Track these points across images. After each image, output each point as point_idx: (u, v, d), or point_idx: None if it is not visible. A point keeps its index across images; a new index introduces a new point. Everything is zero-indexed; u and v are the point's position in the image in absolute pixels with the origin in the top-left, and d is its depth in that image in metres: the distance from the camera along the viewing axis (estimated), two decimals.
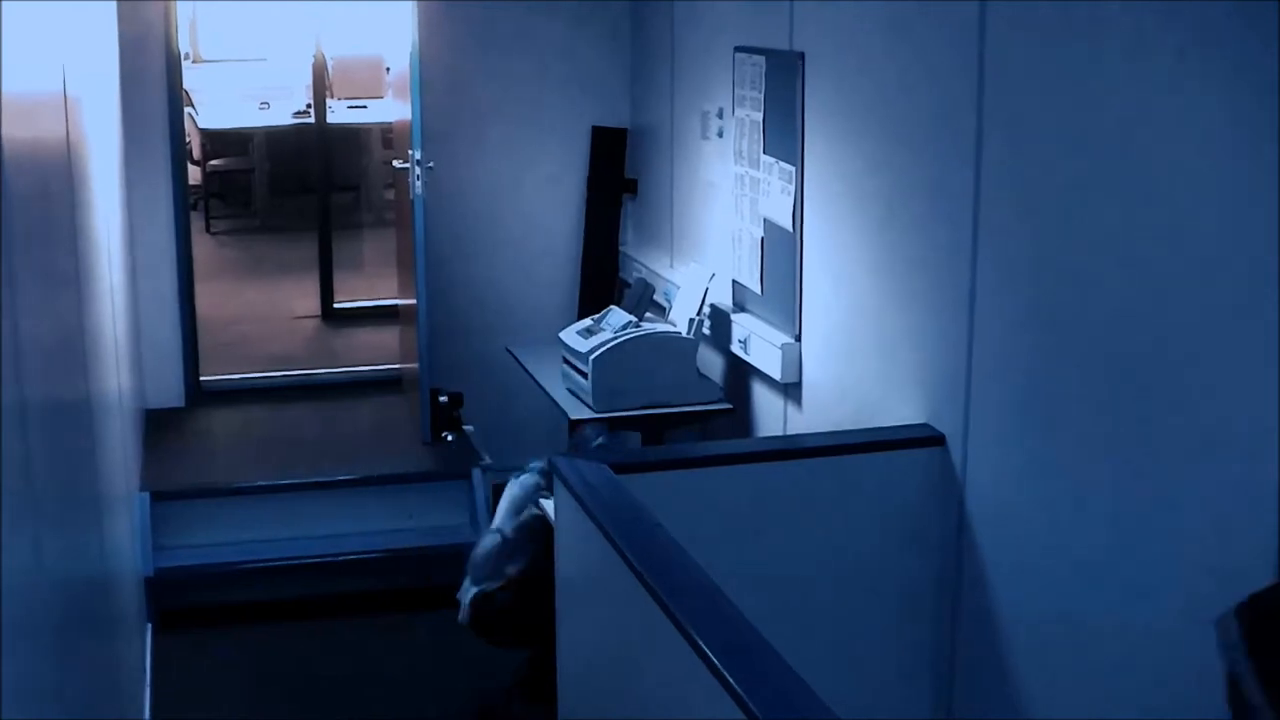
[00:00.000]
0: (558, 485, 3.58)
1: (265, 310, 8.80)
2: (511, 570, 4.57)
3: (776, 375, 4.59)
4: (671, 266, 5.82)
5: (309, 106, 10.21)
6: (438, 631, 5.31)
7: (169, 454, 6.06)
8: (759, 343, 4.73)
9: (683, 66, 5.67)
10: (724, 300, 5.09)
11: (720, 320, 5.05)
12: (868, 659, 3.74)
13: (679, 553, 3.07)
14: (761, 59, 4.71)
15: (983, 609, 3.51)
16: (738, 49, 4.90)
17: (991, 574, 3.49)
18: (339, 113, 10.90)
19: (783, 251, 4.60)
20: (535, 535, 4.51)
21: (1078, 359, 3.10)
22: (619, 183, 6.37)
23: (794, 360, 4.54)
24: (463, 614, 4.63)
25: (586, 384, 4.95)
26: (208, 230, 10.68)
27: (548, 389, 5.23)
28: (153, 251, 6.35)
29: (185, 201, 6.60)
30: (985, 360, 3.47)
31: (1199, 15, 2.71)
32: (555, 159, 6.44)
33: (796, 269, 4.51)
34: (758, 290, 4.83)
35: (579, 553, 3.49)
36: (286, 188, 10.91)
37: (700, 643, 2.65)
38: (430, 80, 5.93)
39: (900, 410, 3.84)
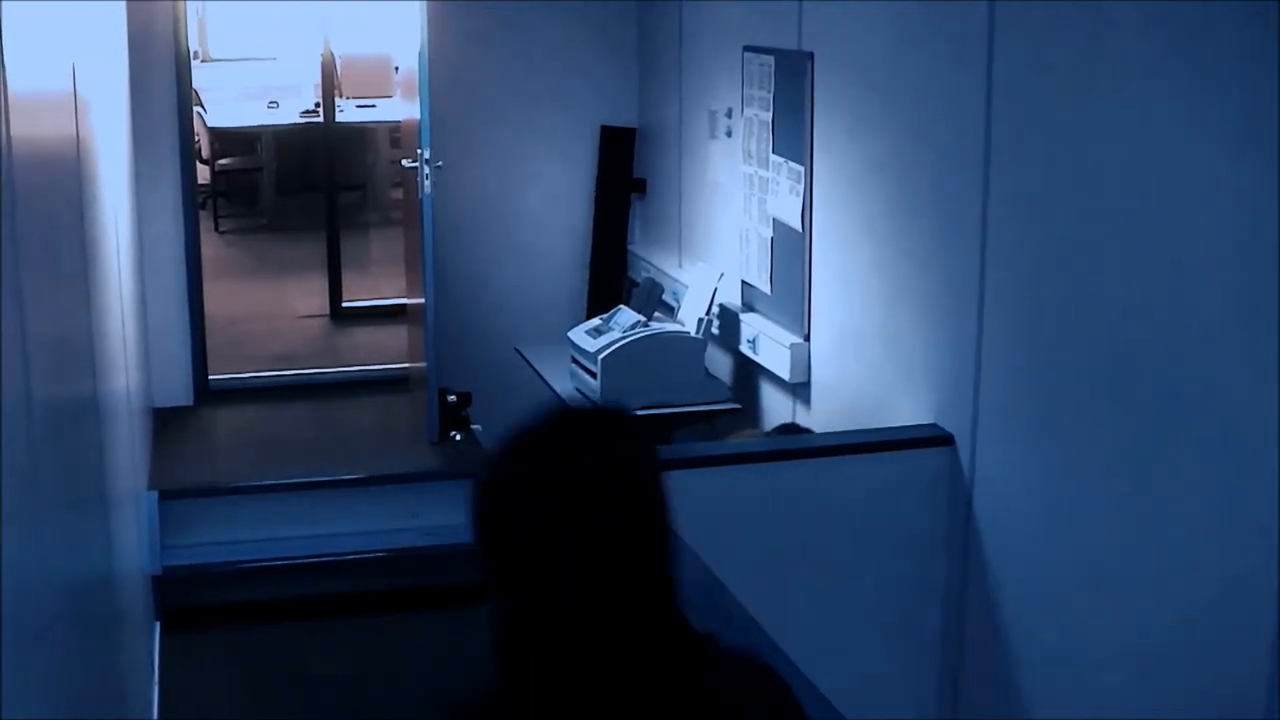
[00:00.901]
0: None
1: (273, 309, 8.80)
2: None
3: (785, 375, 4.58)
4: (680, 266, 5.82)
5: (317, 105, 10.21)
6: (442, 632, 5.30)
7: (177, 453, 6.06)
8: (767, 342, 4.73)
9: (691, 66, 5.66)
10: (733, 300, 5.08)
11: (729, 320, 5.05)
12: (873, 658, 3.74)
13: (686, 551, 3.07)
14: (770, 59, 4.70)
15: (989, 608, 3.51)
16: (746, 48, 4.89)
17: (998, 573, 3.49)
18: (347, 112, 10.89)
19: (791, 251, 4.60)
20: None
21: (1085, 360, 3.10)
22: (627, 182, 6.37)
23: (802, 360, 4.54)
24: None
25: (595, 383, 4.94)
26: (216, 229, 10.68)
27: (556, 388, 5.23)
28: (161, 250, 6.35)
29: (194, 200, 6.60)
30: (993, 360, 3.47)
31: (1199, 16, 2.70)
32: (564, 158, 6.44)
33: (805, 269, 4.50)
34: (766, 290, 4.82)
35: None
36: (293, 187, 10.90)
37: None
38: (438, 79, 5.93)
39: (908, 410, 3.84)
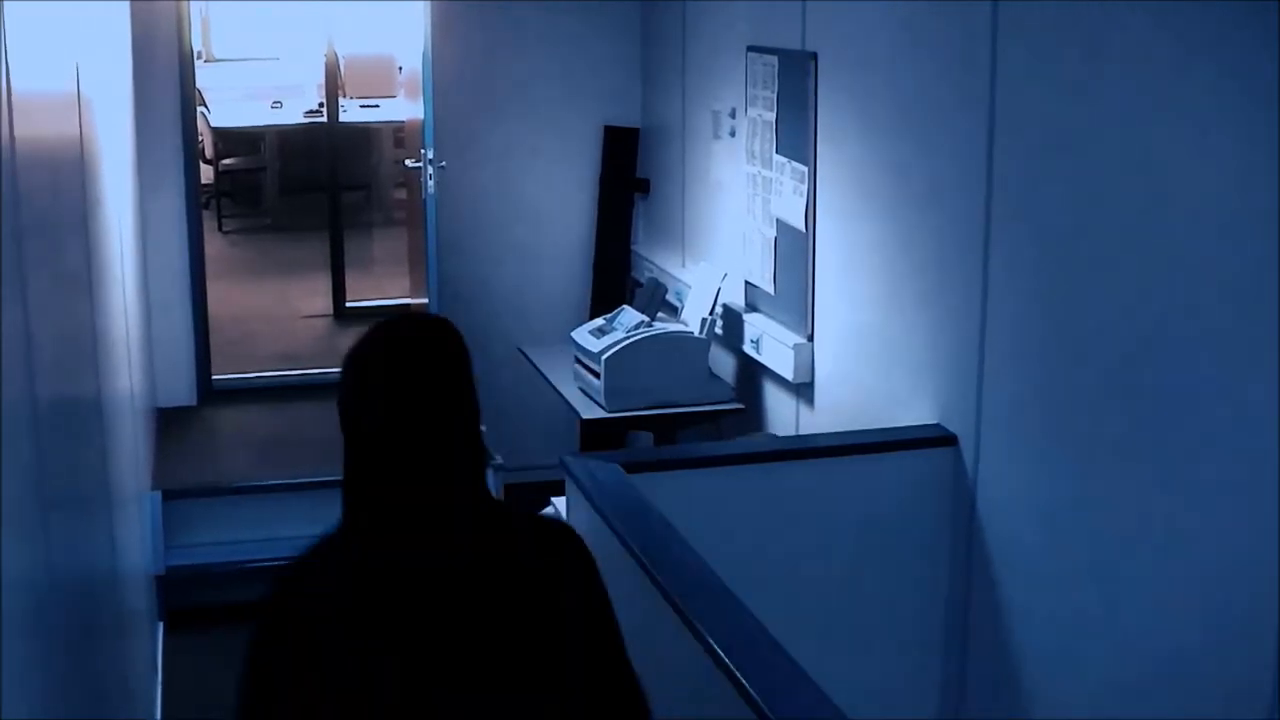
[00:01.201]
0: (569, 484, 3.58)
1: (276, 309, 8.80)
2: None
3: (789, 375, 4.58)
4: (683, 266, 5.81)
5: (321, 105, 10.21)
6: None
7: (180, 453, 6.06)
8: (771, 343, 4.73)
9: (695, 66, 5.66)
10: (736, 300, 5.08)
11: (732, 320, 5.05)
12: (877, 658, 3.74)
13: (689, 552, 3.07)
14: (774, 59, 4.70)
15: (992, 608, 3.51)
16: (750, 49, 4.89)
17: (1001, 573, 3.48)
18: (351, 112, 10.90)
19: (795, 252, 4.60)
20: None
21: (1088, 360, 3.10)
22: (631, 182, 6.37)
23: (806, 360, 4.53)
24: None
25: (598, 383, 4.94)
26: (220, 229, 10.69)
27: (559, 388, 5.22)
28: (165, 250, 6.35)
29: (197, 200, 6.60)
30: (997, 361, 3.46)
31: (1200, 17, 2.70)
32: (567, 158, 6.44)
33: (809, 269, 4.50)
34: (770, 290, 4.82)
35: None
36: (297, 187, 10.91)
37: (710, 642, 2.65)
38: (442, 79, 5.93)
39: (912, 410, 3.84)
